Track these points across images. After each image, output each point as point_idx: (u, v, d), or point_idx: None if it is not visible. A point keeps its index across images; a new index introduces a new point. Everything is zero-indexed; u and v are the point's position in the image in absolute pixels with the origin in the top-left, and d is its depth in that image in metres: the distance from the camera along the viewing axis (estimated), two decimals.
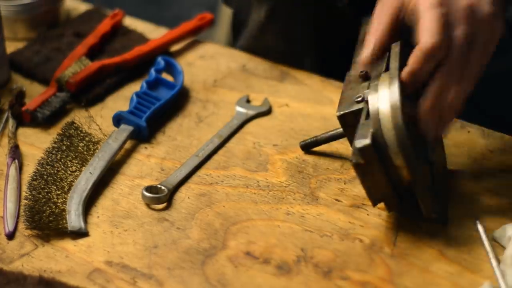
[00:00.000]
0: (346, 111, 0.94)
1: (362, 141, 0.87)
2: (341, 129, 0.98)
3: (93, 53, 1.20)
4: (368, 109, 0.90)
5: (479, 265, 0.90)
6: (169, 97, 1.11)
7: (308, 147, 1.05)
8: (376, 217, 0.96)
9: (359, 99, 0.93)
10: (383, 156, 0.88)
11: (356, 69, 1.00)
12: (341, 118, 0.95)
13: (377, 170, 0.88)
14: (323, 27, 1.20)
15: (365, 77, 0.97)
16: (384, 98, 0.88)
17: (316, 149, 1.05)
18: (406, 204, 0.93)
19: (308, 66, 1.19)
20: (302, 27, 1.19)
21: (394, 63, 0.92)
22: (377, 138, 0.88)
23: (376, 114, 0.88)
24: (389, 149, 0.88)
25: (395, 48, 0.94)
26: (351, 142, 0.96)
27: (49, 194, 0.97)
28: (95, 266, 0.91)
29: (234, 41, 1.28)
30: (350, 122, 0.94)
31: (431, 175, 0.91)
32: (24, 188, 0.99)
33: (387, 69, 0.94)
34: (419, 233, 0.94)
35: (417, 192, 0.89)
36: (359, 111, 0.93)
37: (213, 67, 1.19)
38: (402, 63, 0.92)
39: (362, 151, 0.87)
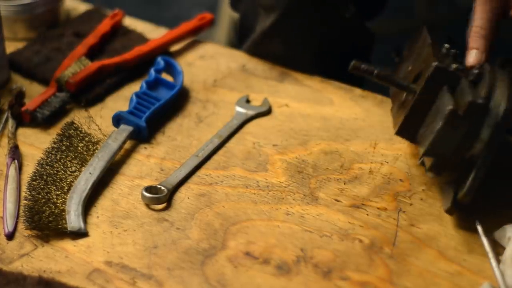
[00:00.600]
0: (445, 68, 0.94)
1: (478, 99, 0.88)
2: (407, 83, 0.98)
3: (93, 53, 1.20)
4: (481, 73, 0.92)
5: (479, 265, 0.90)
6: (169, 97, 1.11)
7: (358, 70, 0.99)
8: (375, 217, 0.96)
9: (458, 67, 0.95)
10: (477, 123, 0.89)
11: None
12: (436, 71, 0.94)
13: (463, 129, 0.90)
14: (328, 36, 1.20)
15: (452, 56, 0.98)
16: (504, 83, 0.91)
17: (315, 149, 1.05)
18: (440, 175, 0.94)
19: (311, 72, 1.19)
20: (307, 37, 1.19)
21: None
22: (487, 104, 0.89)
23: (492, 79, 0.91)
24: (488, 121, 0.89)
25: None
26: (419, 100, 0.96)
27: (48, 195, 0.97)
28: (94, 266, 0.91)
29: (239, 45, 1.28)
30: (439, 81, 0.94)
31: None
32: (24, 188, 0.99)
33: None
34: (419, 233, 0.94)
35: (475, 170, 0.90)
36: (455, 75, 0.94)
37: (213, 67, 1.19)
38: None
39: (471, 105, 0.88)
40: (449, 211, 0.94)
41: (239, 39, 1.28)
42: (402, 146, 1.05)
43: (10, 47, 1.19)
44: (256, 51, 1.21)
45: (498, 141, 0.89)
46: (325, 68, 1.20)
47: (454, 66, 0.95)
